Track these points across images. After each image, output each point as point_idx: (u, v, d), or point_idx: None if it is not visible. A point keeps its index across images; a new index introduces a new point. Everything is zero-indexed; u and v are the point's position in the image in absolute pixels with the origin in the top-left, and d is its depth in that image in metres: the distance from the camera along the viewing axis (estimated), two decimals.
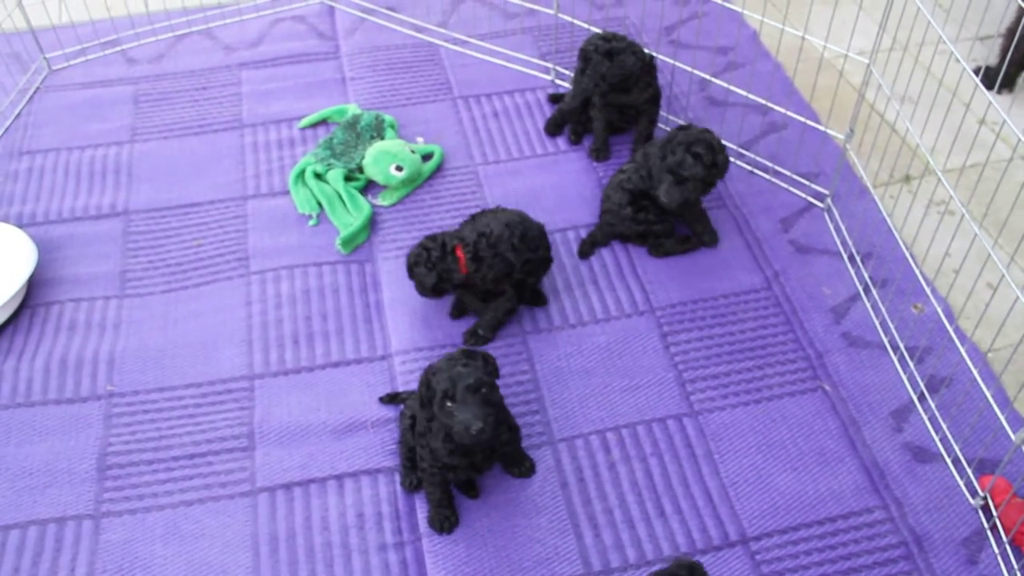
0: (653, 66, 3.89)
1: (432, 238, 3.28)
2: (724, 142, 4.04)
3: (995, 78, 4.14)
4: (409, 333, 3.40)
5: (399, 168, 3.83)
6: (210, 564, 2.82)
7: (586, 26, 4.35)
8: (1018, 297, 2.72)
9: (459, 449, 2.69)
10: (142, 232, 3.81)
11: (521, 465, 2.99)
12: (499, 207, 3.42)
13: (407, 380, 3.26)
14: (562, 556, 2.81)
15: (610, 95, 3.89)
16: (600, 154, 4.06)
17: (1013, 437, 2.79)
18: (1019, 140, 2.70)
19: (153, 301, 3.55)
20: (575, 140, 4.14)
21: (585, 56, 3.82)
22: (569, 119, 4.14)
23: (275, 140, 4.20)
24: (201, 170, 4.07)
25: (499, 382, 3.19)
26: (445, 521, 2.85)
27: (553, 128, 4.18)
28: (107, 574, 2.80)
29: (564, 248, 3.70)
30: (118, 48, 4.71)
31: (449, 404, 2.57)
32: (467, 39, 4.69)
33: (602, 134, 4.03)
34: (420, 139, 4.16)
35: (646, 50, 3.88)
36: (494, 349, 3.34)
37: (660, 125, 4.16)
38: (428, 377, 2.65)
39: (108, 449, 3.10)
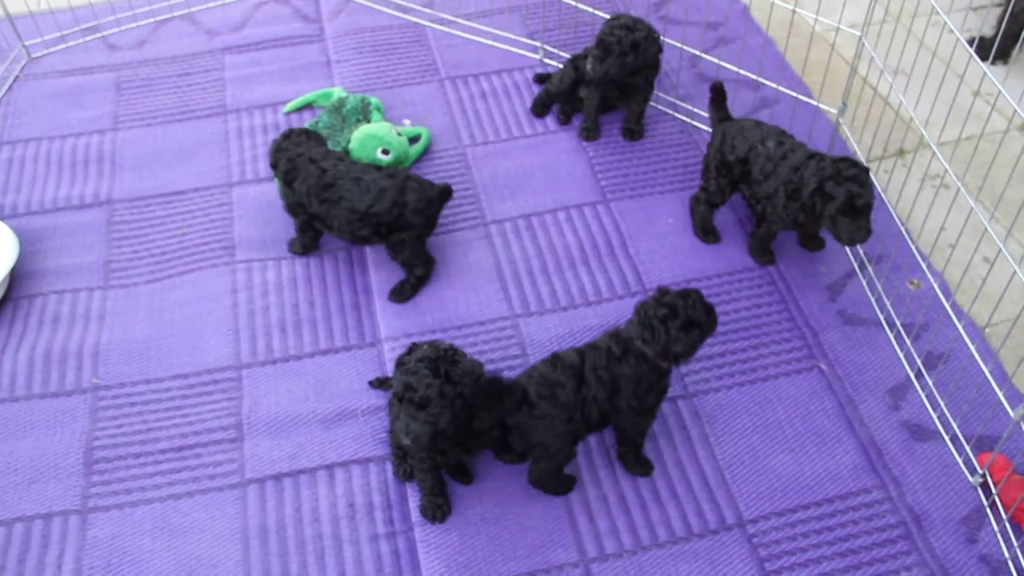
0: (660, 47, 3.82)
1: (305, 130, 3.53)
2: None
3: (990, 49, 4.08)
4: (398, 319, 3.35)
5: (385, 151, 3.77)
6: (199, 558, 2.78)
7: (573, 3, 4.27)
8: (1015, 271, 2.67)
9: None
10: (126, 221, 3.75)
11: (512, 451, 2.94)
12: (419, 177, 3.36)
13: None
14: (556, 543, 2.77)
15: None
16: (591, 133, 3.99)
17: (1012, 413, 2.75)
18: (1015, 112, 2.65)
19: (138, 291, 3.49)
20: (564, 120, 4.08)
21: (606, 47, 3.63)
22: (557, 99, 4.08)
23: (260, 125, 4.14)
24: (185, 157, 4.01)
25: (490, 367, 3.16)
26: (438, 510, 2.81)
27: (540, 109, 4.12)
28: (95, 570, 2.75)
29: (554, 229, 3.64)
30: (99, 35, 4.63)
31: (399, 404, 2.55)
32: (454, 19, 4.62)
33: (594, 113, 3.97)
34: (407, 121, 4.09)
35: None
36: (485, 332, 3.29)
37: (650, 102, 4.10)
38: (396, 367, 2.61)
39: (94, 443, 3.05)
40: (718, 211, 3.66)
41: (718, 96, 3.52)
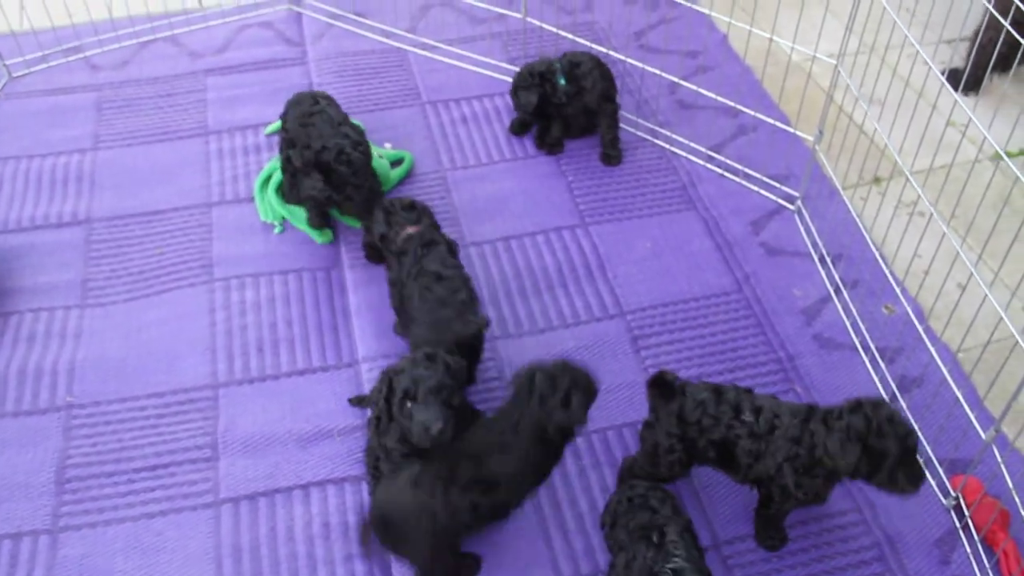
0: (600, 67, 3.92)
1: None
2: (694, 145, 4.06)
3: (960, 80, 4.15)
4: (376, 340, 3.35)
5: None
6: None
7: (554, 30, 4.32)
8: (987, 296, 2.71)
9: (414, 451, 2.64)
10: (104, 240, 3.73)
11: None
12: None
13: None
14: (532, 563, 2.77)
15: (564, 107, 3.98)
16: (553, 148, 4.07)
17: (983, 436, 2.78)
18: (984, 139, 2.70)
19: (115, 310, 3.48)
20: (541, 144, 4.11)
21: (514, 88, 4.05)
22: (535, 121, 4.13)
23: (241, 146, 4.15)
24: (165, 177, 4.01)
25: (468, 388, 3.16)
26: None
27: (519, 128, 4.17)
28: None
29: (533, 252, 3.67)
30: (81, 55, 4.64)
31: (409, 404, 2.54)
32: (435, 44, 4.66)
33: (559, 129, 4.05)
34: (388, 145, 4.11)
35: (598, 49, 3.95)
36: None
37: (629, 128, 4.15)
38: (389, 377, 2.62)
39: (67, 461, 3.02)
40: (696, 241, 3.70)
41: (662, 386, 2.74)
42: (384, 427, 2.69)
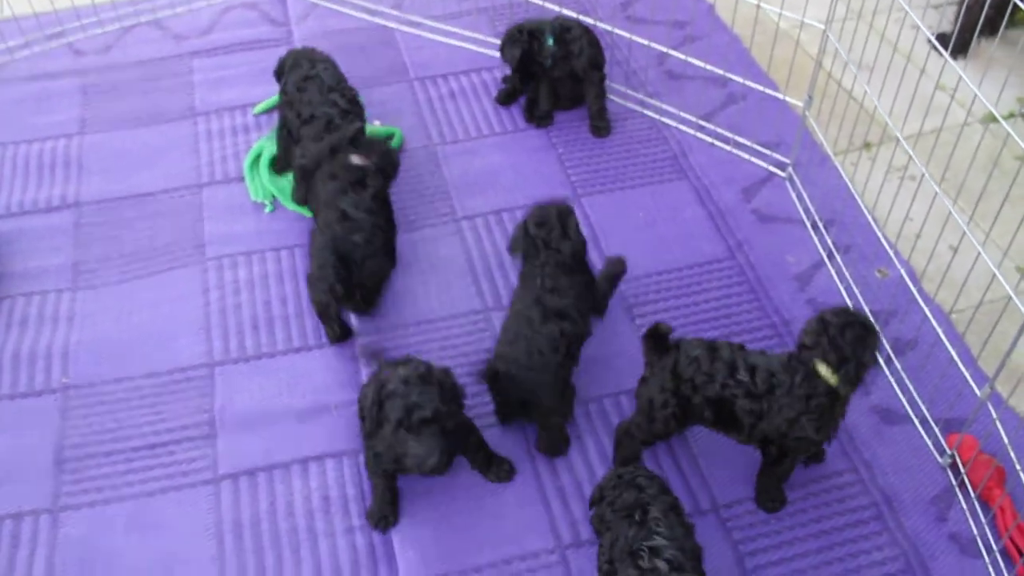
0: (589, 35, 3.91)
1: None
2: (684, 115, 4.05)
3: (948, 44, 4.15)
4: (371, 316, 3.35)
5: None
6: (174, 555, 2.76)
7: (540, 3, 4.31)
8: (979, 255, 2.72)
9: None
10: (95, 223, 3.72)
11: (499, 468, 2.90)
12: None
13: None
14: (532, 530, 2.78)
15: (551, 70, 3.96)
16: (543, 121, 4.06)
17: (978, 394, 2.79)
18: (973, 101, 2.70)
19: (107, 292, 3.46)
20: (529, 117, 4.10)
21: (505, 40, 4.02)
22: (523, 92, 4.11)
23: (229, 127, 4.13)
24: (154, 159, 3.99)
25: (464, 360, 3.16)
26: (382, 520, 2.78)
27: (504, 98, 4.16)
28: (67, 568, 2.72)
29: None
30: (64, 40, 4.60)
31: (403, 432, 2.50)
32: (422, 20, 4.64)
33: (547, 101, 4.04)
34: (377, 122, 4.10)
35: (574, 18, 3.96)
36: (458, 327, 3.30)
37: (618, 99, 4.14)
38: (380, 398, 2.53)
39: (65, 442, 3.01)
40: (688, 210, 3.70)
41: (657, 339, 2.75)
42: (371, 429, 2.62)
